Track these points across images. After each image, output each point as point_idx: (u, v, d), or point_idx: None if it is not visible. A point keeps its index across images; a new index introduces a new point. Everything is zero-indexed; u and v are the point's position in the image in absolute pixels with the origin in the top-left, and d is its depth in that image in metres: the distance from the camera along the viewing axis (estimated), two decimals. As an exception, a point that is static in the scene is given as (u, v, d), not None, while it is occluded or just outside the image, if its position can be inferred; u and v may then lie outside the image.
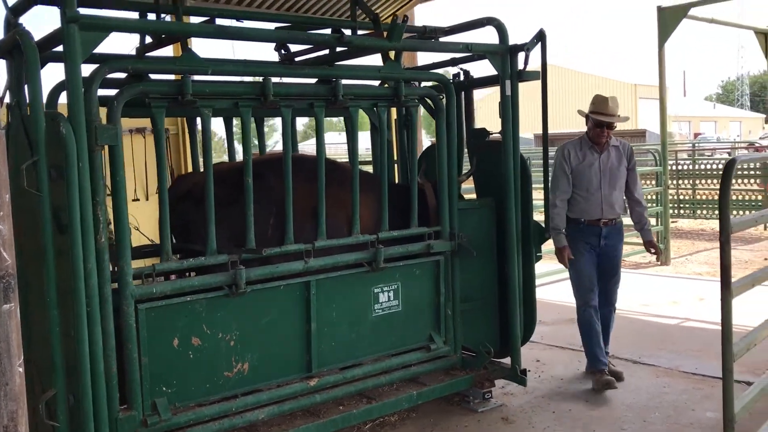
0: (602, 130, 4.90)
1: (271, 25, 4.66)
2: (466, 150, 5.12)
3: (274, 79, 3.84)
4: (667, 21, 9.31)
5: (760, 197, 12.55)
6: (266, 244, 3.85)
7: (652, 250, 5.22)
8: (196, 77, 3.61)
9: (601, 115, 4.88)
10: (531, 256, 4.83)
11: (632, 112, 45.25)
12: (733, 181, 12.92)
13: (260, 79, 3.81)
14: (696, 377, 5.10)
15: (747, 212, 11.73)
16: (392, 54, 4.55)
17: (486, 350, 4.64)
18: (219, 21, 4.16)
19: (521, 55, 4.50)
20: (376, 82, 4.83)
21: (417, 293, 4.49)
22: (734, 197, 12.95)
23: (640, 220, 5.16)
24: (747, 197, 12.86)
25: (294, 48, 4.97)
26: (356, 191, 4.20)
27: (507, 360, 4.77)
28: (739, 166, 12.53)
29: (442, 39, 4.80)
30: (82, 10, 3.06)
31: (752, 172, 12.83)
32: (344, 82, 4.08)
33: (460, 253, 4.57)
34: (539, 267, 8.48)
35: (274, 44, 4.94)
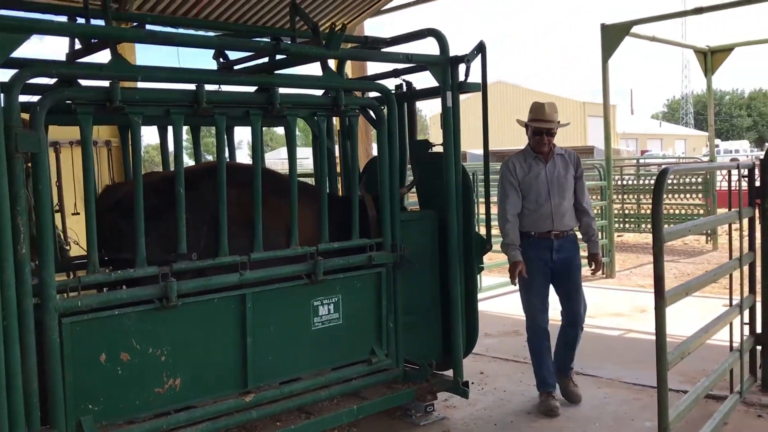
0: (542, 137, 4.79)
1: (211, 35, 4.59)
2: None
3: (214, 88, 3.74)
4: (611, 38, 9.55)
5: (701, 211, 12.84)
6: (200, 256, 3.74)
7: (593, 264, 5.00)
8: (140, 84, 3.49)
9: (539, 122, 4.79)
10: (473, 268, 4.80)
11: (581, 129, 46.16)
12: (676, 196, 13.32)
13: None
14: (636, 387, 5.15)
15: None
16: (333, 64, 4.51)
17: (428, 363, 4.58)
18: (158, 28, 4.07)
19: (462, 67, 4.51)
20: (320, 92, 4.78)
21: (358, 306, 4.41)
22: (676, 212, 13.25)
23: (587, 231, 4.98)
24: (689, 212, 13.15)
25: (234, 57, 4.90)
26: (295, 201, 4.12)
27: (450, 372, 4.73)
28: (673, 179, 12.82)
29: (384, 50, 4.79)
30: (4, 12, 2.95)
31: (694, 187, 13.14)
32: (284, 91, 4.01)
33: (402, 265, 4.51)
34: (486, 280, 8.62)
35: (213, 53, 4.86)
